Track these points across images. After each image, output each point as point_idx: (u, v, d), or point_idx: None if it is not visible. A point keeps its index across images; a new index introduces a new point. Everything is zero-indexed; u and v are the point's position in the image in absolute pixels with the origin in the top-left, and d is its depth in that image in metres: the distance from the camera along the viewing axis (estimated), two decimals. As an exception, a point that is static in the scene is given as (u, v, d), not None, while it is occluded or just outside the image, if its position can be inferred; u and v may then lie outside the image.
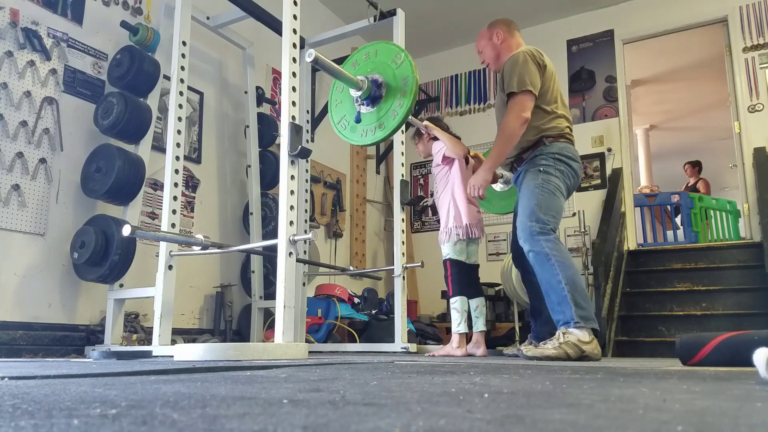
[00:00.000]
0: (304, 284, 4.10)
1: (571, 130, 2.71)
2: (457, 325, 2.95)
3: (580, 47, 5.79)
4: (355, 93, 2.38)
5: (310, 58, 2.19)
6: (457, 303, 2.98)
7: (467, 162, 3.14)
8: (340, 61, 4.92)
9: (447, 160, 3.09)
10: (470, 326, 3.05)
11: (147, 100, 3.34)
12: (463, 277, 3.03)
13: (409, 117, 3.06)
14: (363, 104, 2.36)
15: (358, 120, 2.35)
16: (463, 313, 2.96)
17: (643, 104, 8.02)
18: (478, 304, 3.05)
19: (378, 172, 6.12)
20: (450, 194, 3.06)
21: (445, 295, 3.23)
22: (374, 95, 2.34)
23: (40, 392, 0.80)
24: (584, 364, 1.93)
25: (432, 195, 4.69)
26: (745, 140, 4.96)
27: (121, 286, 3.08)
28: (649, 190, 6.84)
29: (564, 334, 2.31)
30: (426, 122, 3.17)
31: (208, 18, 3.87)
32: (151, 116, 3.30)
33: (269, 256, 3.78)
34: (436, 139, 3.15)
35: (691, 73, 7.25)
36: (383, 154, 6.01)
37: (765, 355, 0.95)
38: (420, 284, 5.86)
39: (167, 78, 3.27)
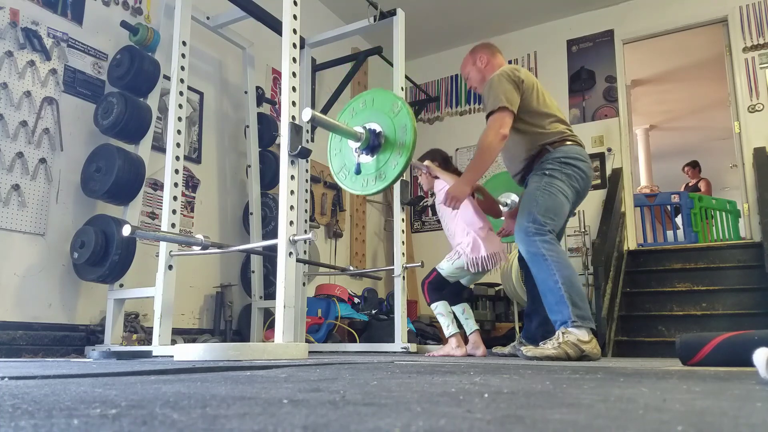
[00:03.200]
0: (304, 284, 4.10)
1: (570, 130, 2.70)
2: (447, 327, 2.96)
3: (580, 47, 5.79)
4: (353, 144, 2.37)
5: (307, 118, 2.19)
6: (438, 307, 2.98)
7: (474, 196, 3.08)
8: (340, 61, 4.95)
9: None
10: (463, 333, 3.05)
11: (147, 100, 3.34)
12: (440, 286, 3.00)
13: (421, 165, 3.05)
14: (362, 154, 2.35)
15: (358, 171, 2.35)
16: (449, 314, 2.96)
17: (643, 104, 8.02)
18: (463, 308, 3.05)
19: (378, 172, 6.11)
20: (462, 224, 2.96)
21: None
22: (373, 144, 2.33)
23: (40, 392, 0.80)
24: (584, 364, 1.93)
25: (430, 194, 4.67)
26: (745, 140, 4.96)
27: (121, 286, 3.08)
28: (649, 190, 6.84)
29: (563, 333, 2.30)
30: (427, 163, 3.07)
31: (208, 18, 3.87)
32: (151, 116, 3.30)
33: (269, 256, 3.78)
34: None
35: (691, 73, 7.25)
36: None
37: (765, 355, 0.95)
38: (420, 284, 5.86)
39: (167, 78, 3.27)
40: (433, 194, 3.11)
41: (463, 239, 2.95)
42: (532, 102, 2.64)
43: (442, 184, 3.02)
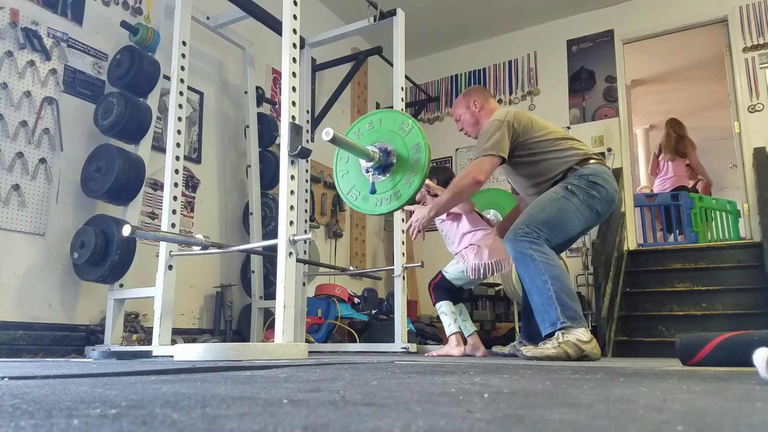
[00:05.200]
0: (304, 284, 4.10)
1: (588, 148, 2.64)
2: (448, 327, 2.97)
3: (580, 47, 5.79)
4: (365, 164, 2.35)
5: (328, 137, 2.16)
6: (442, 307, 3.00)
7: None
8: (340, 61, 4.96)
9: (452, 216, 3.03)
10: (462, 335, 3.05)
11: (147, 100, 3.34)
12: (447, 288, 3.03)
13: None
14: (374, 174, 2.33)
15: (372, 191, 2.31)
16: (451, 314, 2.98)
17: (643, 104, 8.02)
18: (460, 309, 3.06)
19: (378, 172, 6.11)
20: (467, 236, 2.96)
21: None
22: (385, 164, 2.31)
23: (40, 392, 0.80)
24: (584, 364, 1.93)
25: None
26: (745, 140, 4.96)
27: (121, 286, 3.08)
28: (649, 190, 6.83)
29: (563, 333, 2.29)
30: (428, 182, 3.00)
31: (208, 18, 3.87)
32: (151, 116, 3.30)
33: (269, 256, 3.78)
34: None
35: (691, 73, 7.25)
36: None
37: (765, 355, 0.95)
38: (420, 284, 5.86)
39: (167, 78, 3.27)
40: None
41: (467, 245, 2.96)
42: (534, 134, 2.60)
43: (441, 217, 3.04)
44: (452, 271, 3.01)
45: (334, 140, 2.20)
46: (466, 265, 2.92)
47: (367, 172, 2.38)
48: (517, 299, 4.23)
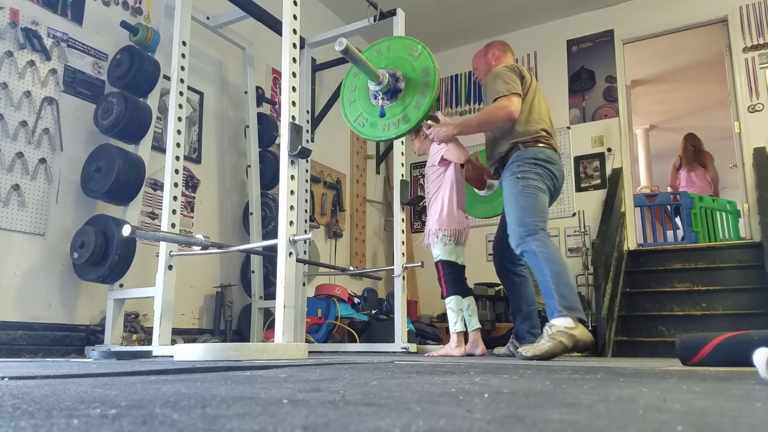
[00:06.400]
0: (304, 284, 4.10)
1: (549, 134, 2.78)
2: (454, 324, 2.95)
3: (580, 47, 5.79)
4: (374, 87, 2.33)
5: (341, 47, 2.14)
6: (452, 302, 2.98)
7: (463, 167, 3.12)
8: (340, 61, 4.95)
9: (444, 162, 3.06)
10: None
11: (147, 100, 3.34)
12: (456, 277, 3.03)
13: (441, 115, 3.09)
14: (384, 99, 2.32)
15: (382, 114, 2.30)
16: (459, 312, 2.96)
17: (643, 104, 8.02)
18: (468, 303, 3.05)
19: (378, 172, 6.12)
20: (441, 197, 3.03)
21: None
22: (394, 89, 2.30)
23: (40, 392, 0.80)
24: (584, 364, 1.94)
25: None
26: (745, 140, 4.96)
27: (121, 286, 3.08)
28: (649, 190, 6.83)
29: (550, 327, 2.37)
30: (445, 119, 3.09)
31: (208, 18, 3.87)
32: (151, 116, 3.30)
33: (269, 256, 3.78)
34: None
35: (691, 73, 7.24)
36: (383, 154, 6.01)
37: (765, 355, 0.95)
38: (420, 284, 5.86)
39: (167, 78, 3.27)
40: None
41: (433, 220, 3.02)
42: (524, 100, 2.73)
43: (438, 147, 3.06)
44: (441, 251, 3.01)
45: (346, 51, 2.15)
46: (441, 234, 2.96)
47: (375, 98, 2.36)
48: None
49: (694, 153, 6.30)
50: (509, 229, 2.66)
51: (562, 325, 2.34)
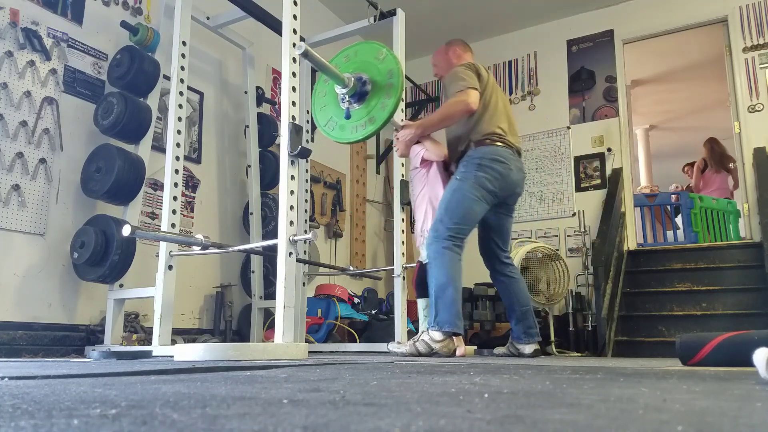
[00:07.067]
0: (304, 284, 4.10)
1: (504, 131, 2.80)
2: (423, 325, 3.01)
3: (580, 47, 5.79)
4: (340, 90, 2.37)
5: (300, 51, 2.18)
6: (423, 304, 3.04)
7: (447, 166, 3.11)
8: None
9: (425, 163, 3.04)
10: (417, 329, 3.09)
11: (147, 100, 3.34)
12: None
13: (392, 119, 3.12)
14: (350, 102, 2.35)
15: (348, 116, 2.34)
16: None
17: (643, 104, 8.02)
18: (426, 303, 3.07)
19: (378, 172, 6.12)
20: (427, 198, 3.01)
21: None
22: (360, 92, 2.34)
23: (40, 392, 0.80)
24: (584, 364, 1.94)
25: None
26: (745, 140, 4.96)
27: (121, 286, 3.08)
28: (649, 190, 6.84)
29: (423, 333, 2.66)
30: (407, 122, 3.14)
31: (208, 18, 3.87)
32: (151, 116, 3.30)
33: (269, 256, 3.78)
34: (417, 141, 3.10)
35: (691, 73, 7.24)
36: (383, 154, 6.01)
37: (765, 355, 0.95)
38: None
39: (167, 78, 3.27)
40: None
41: (421, 221, 3.02)
42: (480, 100, 2.78)
43: (418, 149, 3.06)
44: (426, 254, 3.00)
45: (306, 55, 2.19)
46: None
47: (344, 101, 2.40)
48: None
49: (720, 156, 6.39)
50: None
51: (429, 337, 2.60)
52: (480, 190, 2.69)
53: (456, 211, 2.66)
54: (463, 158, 2.77)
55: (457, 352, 2.93)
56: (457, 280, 2.62)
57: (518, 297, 2.96)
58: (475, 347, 3.53)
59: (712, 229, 5.47)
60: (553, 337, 4.28)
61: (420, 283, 3.02)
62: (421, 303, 3.08)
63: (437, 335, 2.60)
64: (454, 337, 2.97)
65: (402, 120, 3.13)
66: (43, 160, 3.06)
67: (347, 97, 2.33)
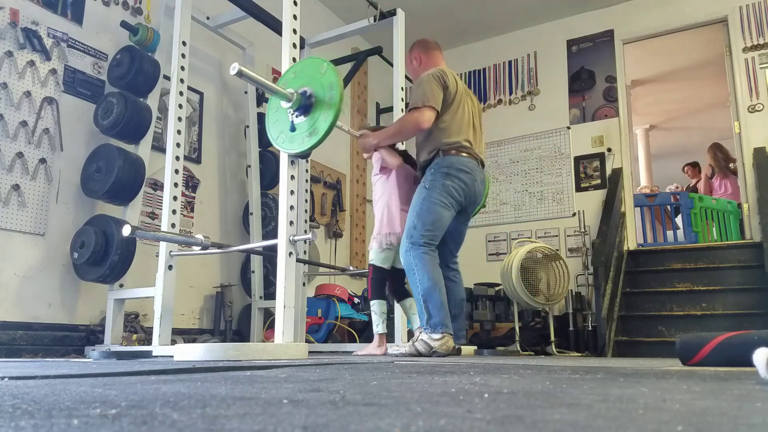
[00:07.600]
0: (304, 284, 4.10)
1: (470, 143, 2.85)
2: (377, 326, 3.01)
3: (580, 47, 5.79)
4: (286, 105, 2.42)
5: (234, 71, 2.21)
6: (375, 306, 3.03)
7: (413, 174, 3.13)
8: (340, 61, 4.96)
9: (385, 170, 3.09)
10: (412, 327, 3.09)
11: (147, 100, 3.34)
12: (381, 283, 3.06)
13: (347, 128, 3.24)
14: (296, 115, 2.41)
15: (292, 129, 2.41)
16: (382, 315, 3.02)
17: (643, 104, 8.02)
18: (410, 303, 3.08)
19: (378, 172, 6.11)
20: (385, 202, 3.05)
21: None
22: (305, 105, 2.39)
23: (40, 392, 0.80)
24: (584, 364, 1.94)
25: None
26: (745, 140, 4.96)
27: (121, 286, 3.08)
28: (649, 190, 6.84)
29: (420, 333, 2.69)
30: (363, 131, 3.16)
31: (208, 18, 3.87)
32: (151, 116, 3.30)
33: (269, 256, 3.78)
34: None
35: (691, 73, 7.24)
36: (383, 154, 6.01)
37: (765, 355, 0.95)
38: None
39: (167, 78, 3.27)
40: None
41: (378, 225, 3.03)
42: (447, 112, 2.82)
43: (378, 156, 3.09)
44: (375, 256, 3.02)
45: (240, 74, 2.22)
46: (385, 240, 2.97)
47: (290, 114, 2.45)
48: (517, 299, 4.23)
49: (725, 160, 6.38)
50: (404, 230, 2.80)
51: (427, 336, 2.64)
52: (447, 197, 2.76)
53: (427, 218, 2.73)
54: (430, 166, 2.83)
55: (379, 351, 2.97)
56: (440, 282, 2.71)
57: (455, 301, 3.01)
58: (475, 347, 3.52)
59: (712, 229, 5.47)
60: (553, 337, 4.28)
61: (374, 286, 3.04)
62: (405, 303, 3.11)
63: (435, 335, 2.66)
64: (378, 337, 3.01)
65: (360, 129, 3.20)
66: (43, 160, 3.06)
67: (292, 110, 2.39)
